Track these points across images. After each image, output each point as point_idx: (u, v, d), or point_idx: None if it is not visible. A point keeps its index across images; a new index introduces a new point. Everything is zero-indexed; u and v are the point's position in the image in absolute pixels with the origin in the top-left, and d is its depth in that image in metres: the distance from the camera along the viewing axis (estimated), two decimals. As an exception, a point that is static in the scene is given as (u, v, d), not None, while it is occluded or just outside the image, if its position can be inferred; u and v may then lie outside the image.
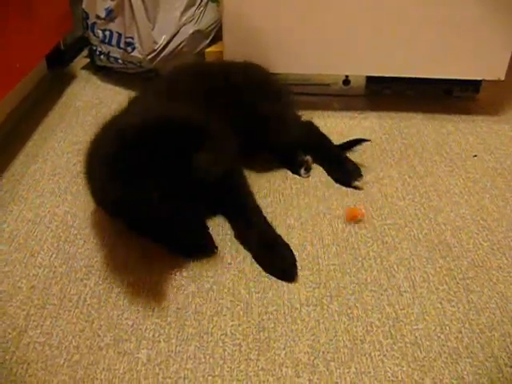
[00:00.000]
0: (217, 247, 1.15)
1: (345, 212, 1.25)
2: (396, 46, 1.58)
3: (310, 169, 1.39)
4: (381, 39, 1.57)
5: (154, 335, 0.97)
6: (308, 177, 1.38)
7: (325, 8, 1.52)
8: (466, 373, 0.91)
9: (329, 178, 1.38)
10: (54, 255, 1.14)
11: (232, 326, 0.99)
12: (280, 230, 1.18)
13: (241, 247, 1.16)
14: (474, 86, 1.73)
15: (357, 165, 1.38)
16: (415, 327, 0.99)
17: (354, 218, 1.23)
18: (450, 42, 1.57)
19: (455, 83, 1.72)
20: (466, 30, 1.55)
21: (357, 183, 1.34)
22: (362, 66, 1.63)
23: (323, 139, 1.44)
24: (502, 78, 1.60)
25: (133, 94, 1.70)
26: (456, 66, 1.62)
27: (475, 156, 1.48)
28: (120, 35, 1.75)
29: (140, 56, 1.72)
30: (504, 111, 1.71)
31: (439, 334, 0.98)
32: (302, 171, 1.38)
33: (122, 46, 1.75)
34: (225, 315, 1.01)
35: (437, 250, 1.16)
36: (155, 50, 1.71)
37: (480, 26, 1.54)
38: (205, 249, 1.14)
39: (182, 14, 1.73)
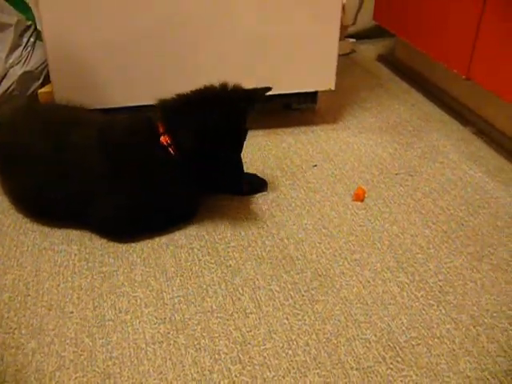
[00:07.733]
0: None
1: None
2: (232, 67, 1.59)
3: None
4: (214, 62, 1.57)
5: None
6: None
7: (150, 37, 1.50)
8: (313, 385, 0.93)
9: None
10: None
11: (76, 378, 0.95)
12: (123, 267, 1.16)
13: (82, 293, 1.11)
14: (311, 97, 1.78)
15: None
16: (263, 347, 0.99)
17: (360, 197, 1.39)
18: (283, 58, 1.62)
19: (293, 97, 1.77)
20: (297, 47, 1.61)
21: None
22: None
23: None
24: (333, 88, 1.67)
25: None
26: (292, 80, 1.67)
27: (315, 166, 1.52)
28: None
29: (-33, 104, 1.63)
30: (341, 118, 1.78)
31: (287, 350, 0.99)
32: None
33: None
34: (68, 368, 0.96)
35: (281, 266, 1.17)
36: (-17, 96, 1.63)
37: (308, 42, 1.61)
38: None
39: (8, 55, 1.66)
